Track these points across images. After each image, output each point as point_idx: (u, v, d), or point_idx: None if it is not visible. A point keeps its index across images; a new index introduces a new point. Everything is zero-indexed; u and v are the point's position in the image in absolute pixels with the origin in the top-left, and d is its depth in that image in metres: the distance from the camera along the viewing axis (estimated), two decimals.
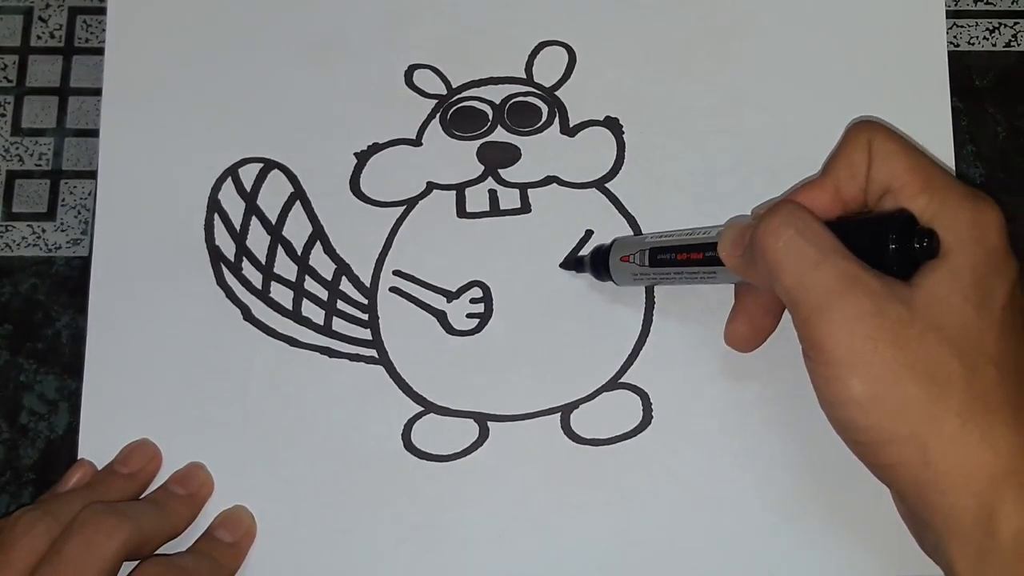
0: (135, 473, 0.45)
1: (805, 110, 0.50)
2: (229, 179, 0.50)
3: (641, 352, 0.47)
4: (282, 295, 0.48)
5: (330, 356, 0.48)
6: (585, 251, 0.48)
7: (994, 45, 0.53)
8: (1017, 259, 0.38)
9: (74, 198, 0.51)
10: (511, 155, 0.50)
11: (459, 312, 0.48)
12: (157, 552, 0.43)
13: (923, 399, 0.35)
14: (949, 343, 0.35)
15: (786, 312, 0.44)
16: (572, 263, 0.48)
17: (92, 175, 0.51)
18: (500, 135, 0.50)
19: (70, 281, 0.50)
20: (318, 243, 0.49)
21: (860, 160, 0.39)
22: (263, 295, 0.48)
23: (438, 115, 0.50)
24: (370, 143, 0.50)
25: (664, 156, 0.50)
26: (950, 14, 0.53)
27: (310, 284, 0.49)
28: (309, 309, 0.48)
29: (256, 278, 0.49)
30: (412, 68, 0.51)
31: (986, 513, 0.34)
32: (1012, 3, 0.53)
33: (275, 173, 0.50)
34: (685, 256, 0.43)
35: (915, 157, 0.38)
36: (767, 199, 0.45)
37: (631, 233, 0.49)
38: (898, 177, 0.38)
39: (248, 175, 0.50)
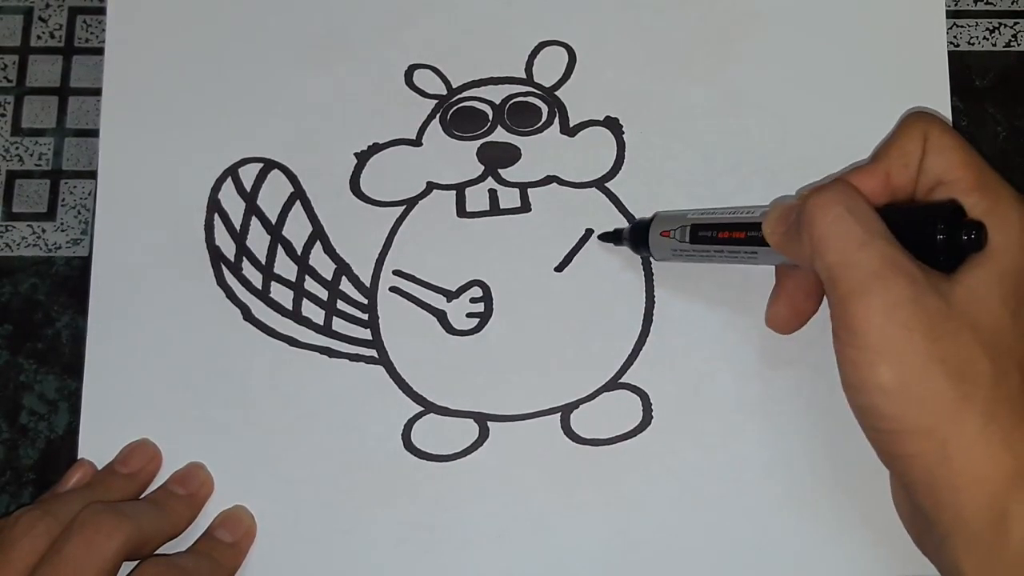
0: (135, 473, 0.45)
1: (805, 110, 0.50)
2: (229, 179, 0.50)
3: (641, 352, 0.47)
4: (282, 295, 0.48)
5: (330, 356, 0.48)
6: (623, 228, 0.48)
7: (994, 45, 0.53)
8: None
9: (74, 198, 0.51)
10: (511, 155, 0.50)
11: (459, 312, 0.48)
12: (157, 552, 0.43)
13: (950, 394, 0.34)
14: (982, 343, 0.35)
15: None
16: (610, 235, 0.48)
17: (92, 175, 0.51)
18: (500, 135, 0.50)
19: (70, 281, 0.50)
20: (318, 243, 0.49)
21: (914, 150, 0.39)
22: (263, 295, 0.48)
23: (438, 115, 0.50)
24: (370, 143, 0.50)
25: (664, 156, 0.50)
26: (950, 14, 0.53)
27: (310, 284, 0.49)
28: (309, 309, 0.48)
29: (256, 278, 0.49)
30: (412, 68, 0.51)
31: (998, 514, 0.34)
32: (1012, 3, 0.53)
33: (275, 173, 0.50)
34: (727, 234, 0.42)
35: (971, 154, 0.38)
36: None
37: None
38: (952, 171, 0.38)
39: (248, 175, 0.50)
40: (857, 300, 0.35)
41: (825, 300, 0.44)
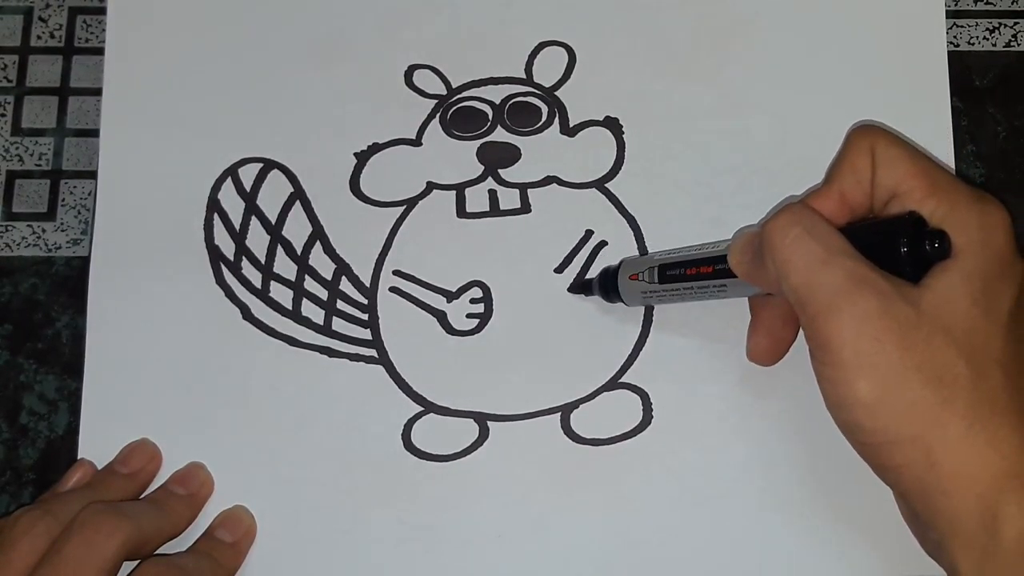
0: (135, 473, 0.45)
1: (805, 110, 0.50)
2: (229, 179, 0.50)
3: (641, 352, 0.47)
4: (282, 295, 0.48)
5: (330, 356, 0.48)
6: (592, 275, 0.48)
7: (994, 45, 0.53)
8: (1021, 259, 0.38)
9: (74, 198, 0.51)
10: (511, 155, 0.50)
11: (459, 312, 0.48)
12: (157, 552, 0.43)
13: (929, 401, 0.34)
14: (956, 345, 0.35)
15: None
16: (580, 287, 0.48)
17: (92, 175, 0.51)
18: (500, 135, 0.50)
19: (70, 281, 0.50)
20: (318, 243, 0.49)
21: (864, 166, 0.39)
22: (263, 295, 0.48)
23: (438, 115, 0.50)
24: (370, 143, 0.50)
25: (664, 156, 0.50)
26: (950, 14, 0.53)
27: (310, 284, 0.49)
28: (309, 309, 0.48)
29: (256, 278, 0.49)
30: (412, 68, 0.51)
31: (990, 515, 0.34)
32: (1012, 3, 0.53)
33: (275, 173, 0.50)
34: (695, 270, 0.42)
35: (919, 161, 0.38)
36: (767, 198, 0.45)
37: (631, 233, 0.49)
38: (904, 181, 0.38)
39: (248, 175, 0.50)
40: (826, 318, 0.35)
41: None
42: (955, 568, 0.35)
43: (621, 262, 0.46)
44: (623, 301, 0.46)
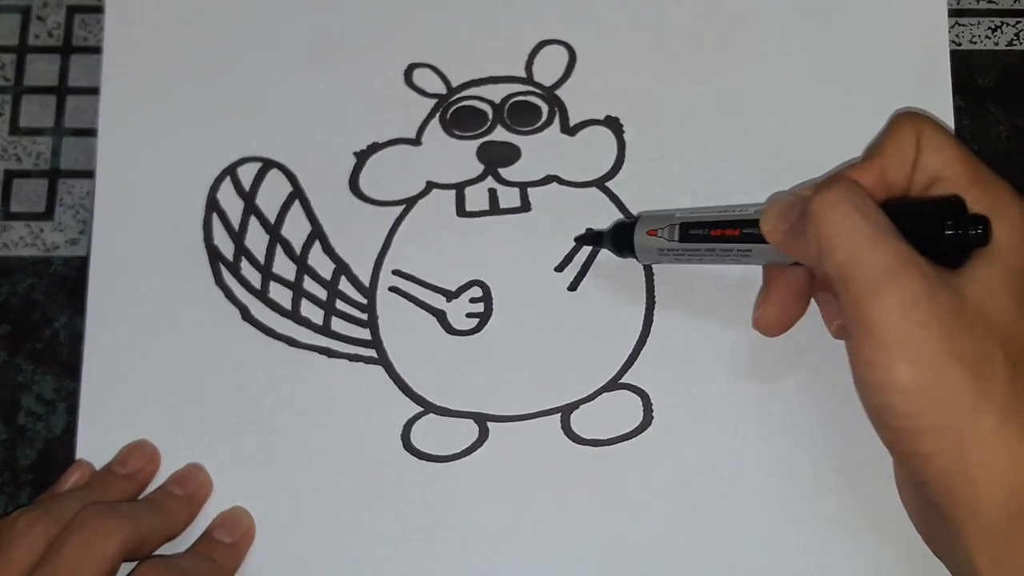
0: (133, 474, 0.45)
1: (806, 110, 0.50)
2: (228, 178, 0.50)
3: (641, 352, 0.47)
4: (281, 295, 0.48)
5: (329, 356, 0.48)
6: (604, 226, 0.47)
7: (996, 44, 0.53)
8: None
9: (72, 198, 0.51)
10: (511, 154, 0.50)
11: (459, 312, 0.48)
12: (156, 553, 0.43)
13: (967, 391, 0.34)
14: (996, 338, 0.35)
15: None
16: (590, 238, 0.47)
17: (90, 175, 0.51)
18: (500, 134, 0.50)
19: (68, 281, 0.50)
20: (317, 243, 0.49)
21: (909, 146, 0.39)
22: (262, 295, 0.48)
23: (438, 114, 0.50)
24: (369, 142, 0.50)
25: (664, 156, 0.50)
26: (952, 13, 0.53)
27: (309, 284, 0.48)
28: (308, 309, 0.48)
29: (255, 278, 0.48)
30: (412, 67, 0.51)
31: (1016, 508, 0.34)
32: (1014, 2, 0.53)
33: (274, 172, 0.50)
34: (720, 232, 0.42)
35: (965, 151, 0.38)
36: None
37: None
38: (949, 167, 0.38)
39: (247, 174, 0.50)
40: (871, 299, 0.35)
41: (813, 302, 0.44)
42: (970, 560, 0.35)
43: (638, 215, 0.46)
44: (635, 256, 0.46)
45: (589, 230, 0.48)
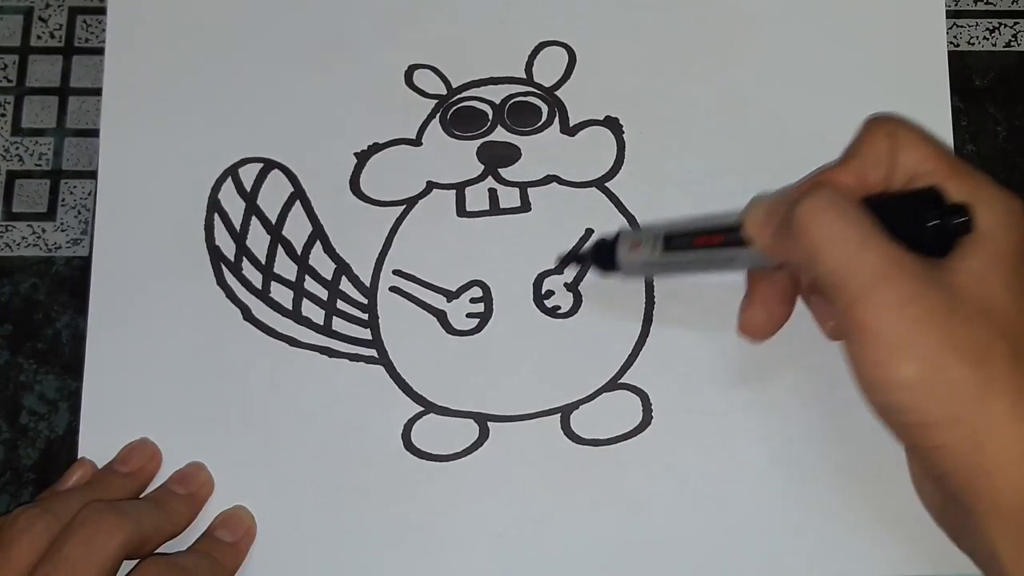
0: (135, 472, 0.45)
1: (805, 110, 0.50)
2: (229, 179, 0.50)
3: (641, 352, 0.47)
4: (282, 295, 0.48)
5: (330, 356, 0.48)
6: (584, 248, 0.47)
7: (994, 45, 0.53)
8: None
9: (74, 198, 0.51)
10: (511, 154, 0.50)
11: (459, 312, 0.48)
12: (157, 551, 0.43)
13: (972, 380, 0.34)
14: (994, 325, 0.35)
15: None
16: (572, 259, 0.47)
17: (92, 175, 0.51)
18: (500, 135, 0.50)
19: (70, 281, 0.50)
20: (318, 243, 0.49)
21: (884, 147, 0.39)
22: (263, 295, 0.48)
23: (438, 115, 0.50)
24: (370, 143, 0.50)
25: (664, 156, 0.50)
26: (950, 14, 0.53)
27: (310, 284, 0.49)
28: (309, 309, 0.48)
29: (256, 278, 0.49)
30: (412, 68, 0.51)
31: None
32: (1012, 3, 0.53)
33: (275, 173, 0.50)
34: (703, 240, 0.42)
35: (941, 146, 0.38)
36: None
37: None
38: (926, 162, 0.38)
39: (248, 175, 0.50)
40: (866, 302, 0.35)
41: (799, 304, 0.44)
42: (993, 549, 0.35)
43: (618, 232, 0.46)
44: (620, 272, 0.45)
45: (572, 252, 0.48)
